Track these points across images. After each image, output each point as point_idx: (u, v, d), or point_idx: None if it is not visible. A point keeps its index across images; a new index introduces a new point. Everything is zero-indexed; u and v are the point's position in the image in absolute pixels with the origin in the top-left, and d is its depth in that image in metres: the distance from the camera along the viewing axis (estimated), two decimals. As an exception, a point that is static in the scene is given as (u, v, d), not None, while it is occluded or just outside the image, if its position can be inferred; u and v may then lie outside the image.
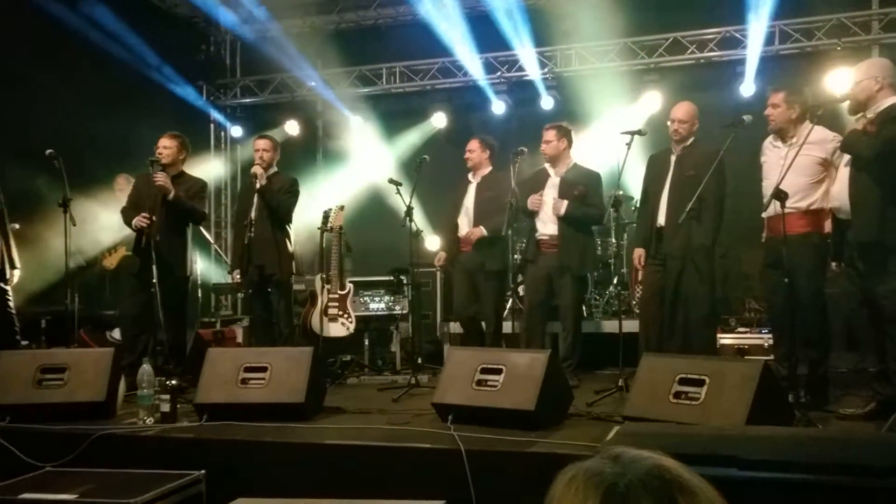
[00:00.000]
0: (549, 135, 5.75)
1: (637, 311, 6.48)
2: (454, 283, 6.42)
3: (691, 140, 5.21)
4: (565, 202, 5.59)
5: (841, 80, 7.01)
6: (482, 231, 5.87)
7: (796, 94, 4.70)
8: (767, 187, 4.61)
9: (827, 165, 4.50)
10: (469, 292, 6.04)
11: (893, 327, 3.97)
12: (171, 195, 5.70)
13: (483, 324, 6.08)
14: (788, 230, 4.40)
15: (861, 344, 5.59)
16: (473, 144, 6.11)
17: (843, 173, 4.13)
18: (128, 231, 6.05)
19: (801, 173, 4.49)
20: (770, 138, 4.75)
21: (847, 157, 4.18)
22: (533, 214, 5.76)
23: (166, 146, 5.87)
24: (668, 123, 5.30)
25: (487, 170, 6.07)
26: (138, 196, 5.88)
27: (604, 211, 6.00)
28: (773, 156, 4.66)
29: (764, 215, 4.65)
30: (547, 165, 5.85)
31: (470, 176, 6.13)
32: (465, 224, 6.05)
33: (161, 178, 5.65)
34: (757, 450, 2.43)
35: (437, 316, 7.38)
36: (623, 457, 0.95)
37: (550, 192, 5.70)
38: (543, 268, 5.71)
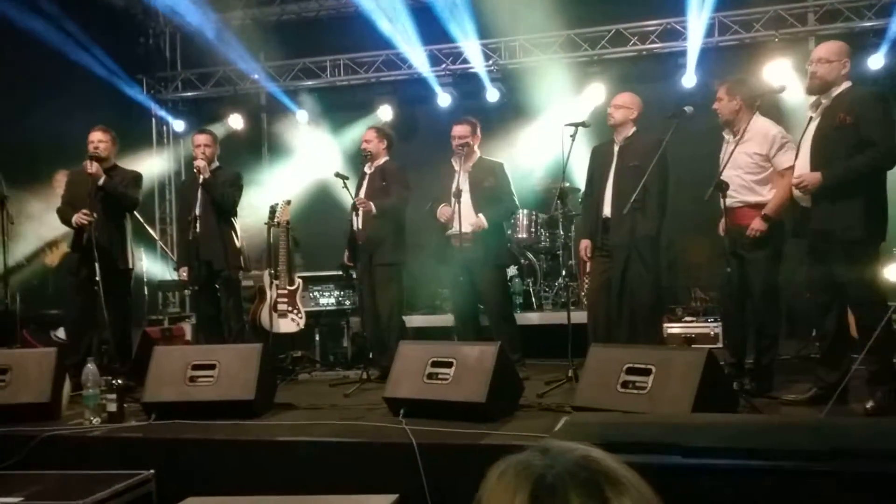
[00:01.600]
0: (462, 130, 5.76)
1: (585, 302, 6.57)
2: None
3: (633, 131, 5.28)
4: (482, 217, 5.67)
5: (778, 71, 7.24)
6: (371, 208, 5.78)
7: (738, 86, 4.80)
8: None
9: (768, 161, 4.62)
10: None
11: (860, 311, 4.04)
12: (102, 180, 5.62)
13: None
14: (742, 222, 4.60)
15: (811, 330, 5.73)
16: (370, 134, 6.07)
17: (804, 161, 4.14)
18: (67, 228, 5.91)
19: (739, 169, 4.64)
20: (724, 131, 4.86)
21: (807, 143, 4.15)
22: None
23: (101, 140, 5.77)
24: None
25: (384, 160, 6.04)
26: (72, 193, 5.77)
27: (515, 200, 6.01)
28: (723, 149, 4.78)
29: (723, 207, 4.73)
30: (453, 161, 5.84)
31: (366, 167, 6.06)
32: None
33: (93, 167, 5.56)
34: (701, 437, 2.50)
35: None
36: (552, 449, 0.98)
37: (463, 190, 5.65)
38: (460, 265, 5.70)
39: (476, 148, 5.87)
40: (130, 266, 6.00)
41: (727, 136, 4.82)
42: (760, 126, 4.67)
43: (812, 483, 2.18)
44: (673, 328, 6.67)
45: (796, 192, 4.17)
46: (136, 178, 6.00)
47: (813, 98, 4.26)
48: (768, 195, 4.63)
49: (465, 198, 5.68)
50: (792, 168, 4.36)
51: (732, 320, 4.90)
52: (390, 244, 5.85)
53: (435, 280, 7.41)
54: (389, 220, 5.86)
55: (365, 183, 6.02)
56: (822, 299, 4.19)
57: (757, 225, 4.53)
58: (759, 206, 4.62)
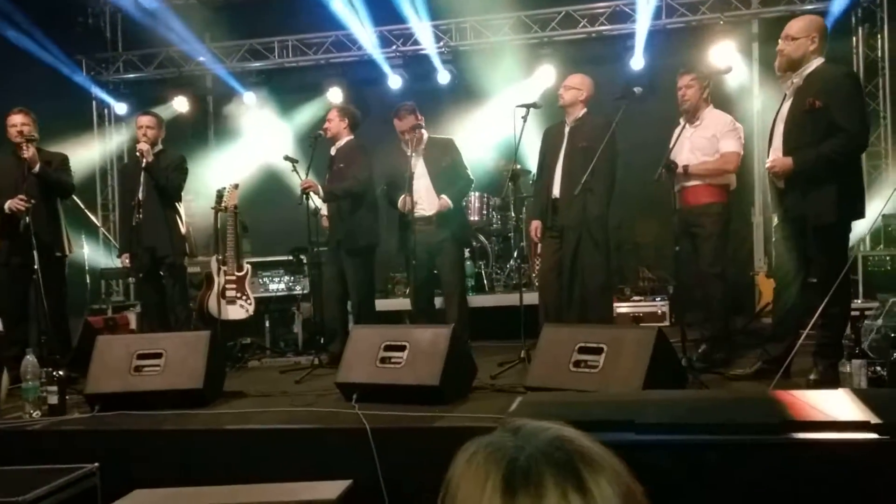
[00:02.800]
0: (407, 121, 5.60)
1: (536, 283, 6.60)
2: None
3: (583, 112, 5.29)
4: (445, 198, 5.59)
5: (723, 53, 7.35)
6: (319, 190, 5.70)
7: (702, 73, 4.98)
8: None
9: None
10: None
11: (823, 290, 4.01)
12: (37, 167, 5.42)
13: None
14: (694, 201, 4.79)
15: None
16: (331, 114, 5.97)
17: (777, 143, 4.13)
18: None
19: (698, 151, 4.83)
20: (682, 117, 4.90)
21: (781, 124, 4.13)
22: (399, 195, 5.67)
23: (25, 123, 5.55)
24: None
25: (345, 139, 5.93)
26: None
27: (469, 174, 5.93)
28: (681, 137, 4.83)
29: (675, 189, 4.83)
30: (404, 145, 5.66)
31: (332, 149, 5.96)
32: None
33: (29, 152, 5.37)
34: (652, 414, 2.53)
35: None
36: (523, 429, 0.94)
37: (419, 173, 5.60)
38: (422, 247, 5.59)
39: (422, 132, 5.75)
40: (67, 253, 5.83)
41: (683, 120, 4.88)
42: (719, 114, 4.93)
43: (759, 455, 2.21)
44: (622, 307, 6.77)
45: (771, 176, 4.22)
46: (64, 160, 5.82)
47: (786, 77, 4.19)
48: (721, 179, 4.84)
49: (424, 181, 5.62)
50: (734, 153, 4.70)
51: (695, 299, 4.99)
52: (360, 228, 5.75)
53: (388, 264, 7.36)
54: (350, 204, 5.74)
55: (332, 165, 5.92)
56: (786, 273, 4.24)
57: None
58: (710, 188, 4.81)
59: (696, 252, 4.81)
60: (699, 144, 4.83)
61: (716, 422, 2.33)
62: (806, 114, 3.98)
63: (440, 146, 5.79)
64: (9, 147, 5.55)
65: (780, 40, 4.13)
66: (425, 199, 5.60)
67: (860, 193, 4.07)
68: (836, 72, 4.06)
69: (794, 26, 4.10)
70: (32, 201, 5.29)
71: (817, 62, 4.06)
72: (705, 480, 2.20)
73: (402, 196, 5.55)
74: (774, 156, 4.10)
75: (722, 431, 2.25)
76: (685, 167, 4.74)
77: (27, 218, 5.26)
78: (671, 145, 4.73)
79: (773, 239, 4.58)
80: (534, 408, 2.73)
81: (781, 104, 4.23)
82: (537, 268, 6.86)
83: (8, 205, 5.32)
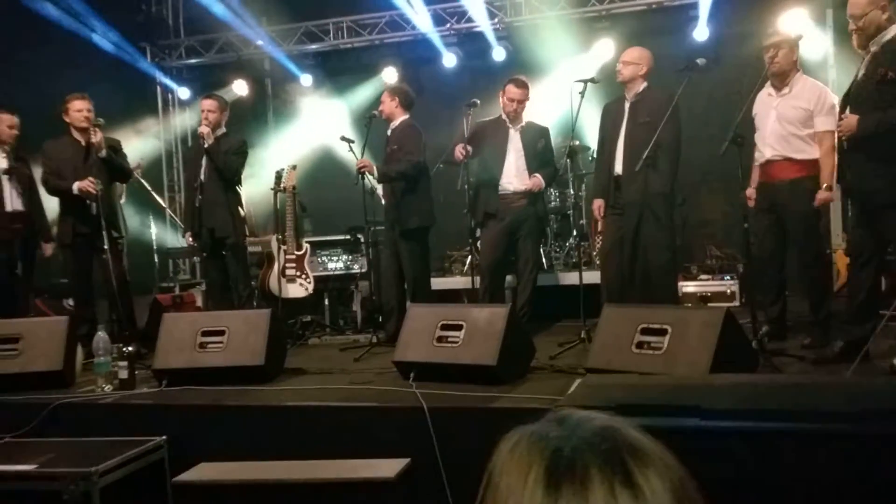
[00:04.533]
0: (520, 92, 5.67)
1: (597, 261, 6.50)
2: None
3: (644, 86, 5.15)
4: (538, 177, 5.65)
5: (795, 22, 7.05)
6: (374, 170, 5.74)
7: (793, 36, 4.71)
8: (759, 138, 4.69)
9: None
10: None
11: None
12: (104, 152, 5.56)
13: None
14: (781, 176, 4.56)
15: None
16: (383, 96, 5.99)
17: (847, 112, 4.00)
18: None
19: (786, 122, 4.55)
20: (767, 89, 4.70)
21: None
22: (484, 168, 5.68)
23: (90, 108, 5.66)
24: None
25: (399, 119, 5.90)
26: (55, 162, 5.65)
27: (557, 166, 6.08)
28: (765, 106, 4.65)
29: (757, 162, 4.71)
30: (504, 118, 5.76)
31: (388, 129, 5.98)
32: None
33: (97, 136, 5.50)
34: (720, 399, 2.41)
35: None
36: (569, 419, 0.90)
37: (513, 148, 5.68)
38: (507, 221, 5.66)
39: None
40: (123, 234, 6.04)
41: (770, 90, 4.67)
42: (812, 83, 4.61)
43: (836, 446, 2.09)
44: (688, 286, 6.58)
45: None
46: (120, 144, 5.98)
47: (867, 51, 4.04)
48: (811, 153, 4.54)
49: (518, 156, 5.67)
50: (829, 133, 4.35)
51: (767, 278, 4.80)
52: (413, 209, 5.76)
53: (445, 242, 7.35)
54: (410, 185, 5.75)
55: (387, 145, 5.95)
56: (861, 252, 4.09)
57: (823, 196, 4.47)
58: (800, 163, 4.55)
59: (785, 231, 4.60)
60: (788, 115, 4.54)
61: (789, 408, 2.19)
62: (878, 84, 3.84)
63: (537, 130, 5.84)
64: (63, 129, 5.67)
65: (849, 20, 3.99)
66: (514, 174, 5.66)
67: None
68: None
69: (857, 2, 3.96)
70: (101, 186, 5.42)
71: (894, 30, 3.90)
72: (777, 471, 2.10)
73: (458, 145, 5.51)
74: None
75: (796, 419, 2.12)
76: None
77: (97, 202, 5.39)
78: (739, 118, 4.50)
79: (849, 214, 4.38)
80: (594, 390, 2.67)
81: (857, 73, 4.06)
82: (598, 246, 6.79)
83: (77, 186, 5.46)
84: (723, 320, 3.54)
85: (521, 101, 5.69)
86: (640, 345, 3.75)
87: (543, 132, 5.86)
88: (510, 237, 5.72)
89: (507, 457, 0.88)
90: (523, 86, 5.73)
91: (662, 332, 3.69)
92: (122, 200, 6.58)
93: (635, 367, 3.63)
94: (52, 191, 5.71)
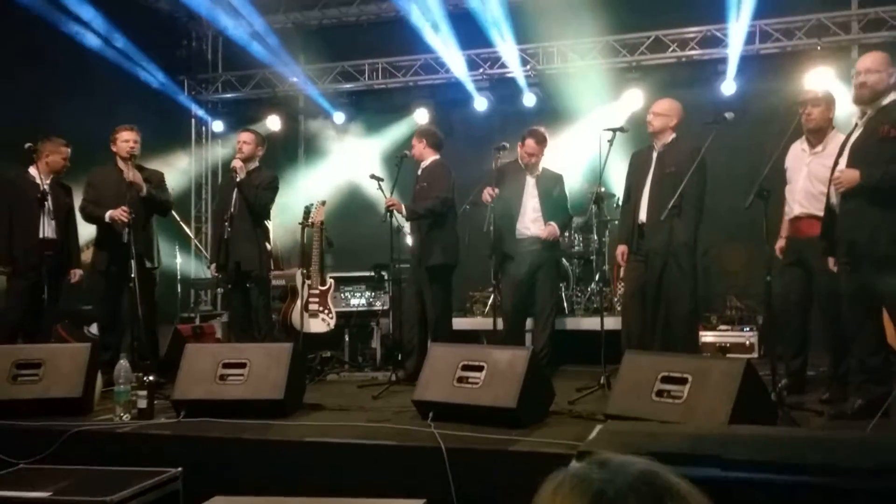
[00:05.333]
0: (538, 149, 5.86)
1: (619, 308, 6.49)
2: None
3: (672, 137, 5.21)
4: (554, 225, 5.82)
5: (821, 80, 7.08)
6: (402, 209, 5.82)
7: (830, 94, 4.79)
8: (789, 192, 4.72)
9: None
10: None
11: None
12: (144, 190, 5.69)
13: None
14: (809, 232, 4.54)
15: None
16: (413, 139, 6.13)
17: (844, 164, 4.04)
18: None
19: (816, 180, 4.55)
20: (801, 144, 4.74)
21: (848, 152, 4.06)
22: (505, 211, 5.75)
23: (136, 140, 5.80)
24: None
25: (430, 160, 6.02)
26: (98, 191, 5.79)
27: (570, 212, 6.24)
28: (798, 161, 4.68)
29: (787, 216, 4.76)
30: (522, 163, 5.94)
31: (419, 169, 6.09)
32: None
33: (133, 175, 5.62)
34: (740, 450, 2.41)
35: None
36: (611, 462, 0.93)
37: (529, 194, 5.85)
38: (525, 265, 5.72)
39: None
40: (156, 265, 6.13)
41: (804, 147, 4.70)
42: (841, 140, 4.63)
43: (855, 501, 2.08)
44: (707, 336, 6.55)
45: (833, 199, 4.07)
46: (163, 178, 6.12)
47: (859, 108, 4.15)
48: None
49: (534, 202, 5.84)
50: None
51: (790, 332, 4.78)
52: (439, 246, 5.84)
53: (468, 283, 7.38)
54: (437, 222, 5.85)
55: (416, 183, 6.06)
56: (858, 311, 4.07)
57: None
58: None
59: (811, 285, 4.61)
60: (819, 174, 4.50)
61: (809, 462, 2.19)
62: (878, 142, 3.92)
63: (552, 178, 6.02)
64: (110, 158, 5.81)
65: (857, 74, 4.06)
66: (531, 219, 5.82)
67: None
68: None
69: (873, 59, 4.06)
70: (133, 215, 5.52)
71: (893, 95, 4.01)
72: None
73: (486, 188, 5.60)
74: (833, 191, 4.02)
75: (816, 472, 2.12)
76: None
77: (128, 230, 5.47)
78: (766, 171, 4.51)
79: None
80: (614, 437, 2.66)
81: (849, 135, 4.14)
82: (620, 292, 6.80)
83: (109, 214, 5.57)
84: (743, 371, 3.53)
85: (537, 155, 5.87)
86: (660, 393, 3.73)
87: (558, 179, 6.02)
88: (530, 280, 5.78)
89: (550, 497, 0.91)
90: (543, 141, 5.90)
91: (683, 381, 3.68)
92: None
93: (655, 415, 3.62)
94: (87, 218, 5.83)
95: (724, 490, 2.04)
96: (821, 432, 3.71)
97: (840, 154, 4.14)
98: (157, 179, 5.99)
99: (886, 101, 4.01)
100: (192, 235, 8.99)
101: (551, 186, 5.92)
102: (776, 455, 2.33)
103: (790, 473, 2.14)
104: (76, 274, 5.98)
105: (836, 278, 4.40)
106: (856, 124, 4.15)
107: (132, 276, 5.40)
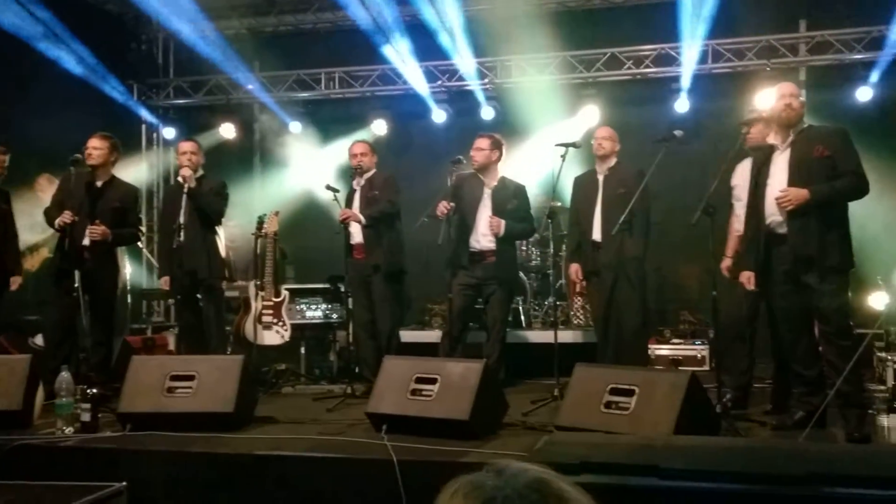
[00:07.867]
0: (483, 143, 5.72)
1: (574, 321, 6.81)
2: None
3: (615, 161, 5.46)
4: (503, 222, 5.56)
5: (769, 100, 7.25)
6: (360, 218, 5.84)
7: (766, 114, 4.84)
8: (740, 207, 4.80)
9: None
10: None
11: (841, 341, 4.02)
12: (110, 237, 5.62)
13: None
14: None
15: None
16: (362, 147, 6.08)
17: (777, 189, 4.15)
18: (50, 232, 5.84)
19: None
20: (747, 163, 4.81)
21: (779, 173, 4.19)
22: (461, 223, 5.68)
23: (96, 147, 5.68)
24: (592, 141, 5.57)
25: (373, 171, 6.06)
26: (63, 196, 5.65)
27: (534, 224, 6.10)
28: (743, 179, 4.75)
29: (736, 234, 4.87)
30: (475, 170, 5.78)
31: (354, 182, 6.08)
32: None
33: (99, 232, 5.50)
34: (680, 459, 2.47)
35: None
36: (506, 470, 0.99)
37: (484, 206, 5.67)
38: (475, 277, 5.65)
39: (498, 166, 5.81)
40: (119, 282, 6.07)
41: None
42: None
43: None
44: (661, 350, 6.69)
45: (772, 217, 4.17)
46: (136, 199, 6.07)
47: (771, 133, 4.35)
48: None
49: (486, 213, 5.64)
50: None
51: (738, 345, 4.87)
52: (389, 252, 5.84)
53: (425, 295, 7.37)
54: (385, 228, 5.86)
55: (356, 196, 6.01)
56: (797, 326, 4.20)
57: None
58: None
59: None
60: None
61: (743, 471, 2.26)
62: (814, 160, 4.09)
63: (511, 188, 5.77)
64: (50, 165, 5.73)
65: (785, 97, 4.20)
66: (481, 233, 5.63)
67: (851, 242, 4.16)
68: (832, 127, 4.31)
69: (792, 88, 4.31)
70: (76, 218, 5.38)
71: (807, 121, 4.27)
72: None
73: (442, 202, 5.50)
74: (771, 210, 4.14)
75: (748, 481, 2.19)
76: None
77: (80, 239, 5.38)
78: (711, 189, 4.60)
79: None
80: (559, 447, 2.70)
81: (768, 161, 4.26)
82: (575, 306, 6.88)
83: (56, 221, 5.42)
84: (688, 384, 3.63)
85: (484, 151, 5.68)
86: (608, 404, 3.80)
87: (517, 191, 5.78)
88: (479, 290, 5.71)
89: (447, 503, 0.97)
90: (488, 137, 5.78)
91: (630, 393, 3.76)
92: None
93: (603, 427, 3.68)
94: (47, 222, 5.71)
95: (663, 499, 2.08)
96: (757, 442, 3.81)
97: (766, 175, 4.25)
98: (130, 199, 5.91)
99: (803, 125, 4.22)
100: (142, 246, 8.81)
101: (507, 198, 5.72)
102: (713, 464, 2.39)
103: (725, 482, 2.20)
104: (15, 282, 5.80)
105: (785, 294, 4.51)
106: (772, 146, 4.28)
107: (76, 285, 5.26)
